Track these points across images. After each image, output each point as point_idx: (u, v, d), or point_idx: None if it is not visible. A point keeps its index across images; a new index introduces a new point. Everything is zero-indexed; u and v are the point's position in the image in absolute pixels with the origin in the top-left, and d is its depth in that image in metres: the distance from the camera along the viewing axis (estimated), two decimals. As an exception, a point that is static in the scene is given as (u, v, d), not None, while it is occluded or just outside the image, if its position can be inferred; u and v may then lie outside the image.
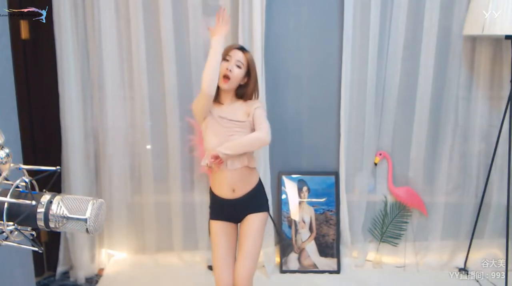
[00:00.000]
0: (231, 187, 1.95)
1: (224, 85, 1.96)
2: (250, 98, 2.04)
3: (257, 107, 1.99)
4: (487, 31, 2.24)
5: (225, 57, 1.96)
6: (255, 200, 2.02)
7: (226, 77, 1.95)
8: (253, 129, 1.96)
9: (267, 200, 2.10)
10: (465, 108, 2.66)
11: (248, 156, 1.96)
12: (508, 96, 2.44)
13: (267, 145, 1.97)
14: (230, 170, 1.93)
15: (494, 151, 2.55)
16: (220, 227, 1.99)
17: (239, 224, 2.04)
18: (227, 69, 1.94)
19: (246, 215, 1.99)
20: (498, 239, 2.69)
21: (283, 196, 2.72)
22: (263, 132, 1.91)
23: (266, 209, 2.05)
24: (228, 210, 2.00)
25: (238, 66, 1.96)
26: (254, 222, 1.98)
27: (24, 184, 0.82)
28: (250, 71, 2.02)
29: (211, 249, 2.02)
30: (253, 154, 2.03)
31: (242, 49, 2.02)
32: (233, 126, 1.94)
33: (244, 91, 2.03)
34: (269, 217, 2.08)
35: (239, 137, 1.92)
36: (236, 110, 1.99)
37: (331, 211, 2.72)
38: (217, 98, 1.99)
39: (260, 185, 2.06)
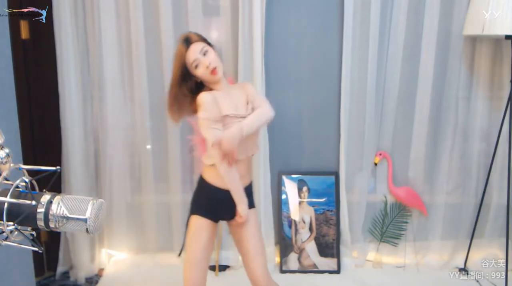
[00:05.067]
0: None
1: (217, 76, 1.75)
2: None
3: (250, 89, 1.86)
4: (487, 31, 2.24)
5: (194, 66, 1.75)
6: (250, 194, 1.91)
7: (213, 71, 1.73)
8: None
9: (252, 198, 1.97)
10: (465, 108, 2.65)
11: (255, 143, 1.86)
12: (508, 96, 2.44)
13: (271, 119, 1.81)
14: (240, 159, 1.78)
15: (494, 151, 2.55)
16: (205, 225, 1.83)
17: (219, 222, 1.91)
18: (207, 67, 1.73)
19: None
20: (498, 239, 2.70)
21: (283, 196, 2.72)
22: (266, 107, 1.80)
23: (254, 205, 1.95)
24: (222, 206, 1.83)
25: (205, 52, 1.74)
26: (252, 219, 1.89)
27: (24, 184, 0.82)
28: (208, 42, 1.81)
29: (188, 245, 1.84)
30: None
31: (186, 41, 1.77)
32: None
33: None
34: None
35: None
36: (237, 101, 1.81)
37: (331, 211, 2.72)
38: (214, 87, 1.81)
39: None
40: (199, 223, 1.83)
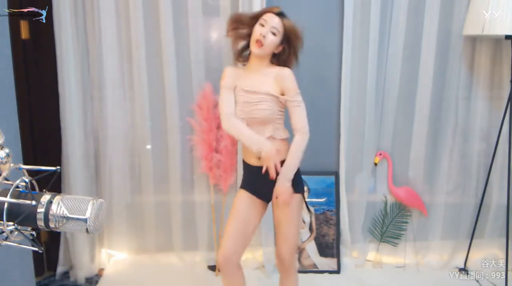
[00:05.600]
0: (257, 154, 1.83)
1: (256, 50, 1.83)
2: (285, 65, 1.90)
3: (296, 104, 1.83)
4: (487, 31, 2.24)
5: (260, 23, 1.84)
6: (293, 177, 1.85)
7: (259, 42, 1.82)
8: (280, 105, 1.85)
9: (301, 181, 1.92)
10: (465, 108, 2.65)
11: (274, 126, 1.85)
12: (508, 96, 2.44)
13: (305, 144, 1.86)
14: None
15: (494, 151, 2.55)
16: (244, 197, 1.91)
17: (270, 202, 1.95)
18: (260, 34, 1.80)
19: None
20: (498, 239, 2.70)
21: (283, 196, 2.71)
22: (303, 133, 1.83)
23: (300, 191, 1.90)
24: (257, 182, 1.88)
25: (273, 33, 1.82)
26: (292, 204, 1.85)
27: (24, 184, 0.82)
28: (288, 39, 1.86)
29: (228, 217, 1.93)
30: (283, 125, 1.90)
31: (280, 14, 1.86)
32: (259, 99, 1.82)
33: (280, 59, 1.91)
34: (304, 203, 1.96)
35: (262, 113, 1.81)
36: (265, 80, 1.85)
37: (331, 211, 2.72)
38: (247, 63, 1.93)
39: None
40: (238, 194, 1.96)
